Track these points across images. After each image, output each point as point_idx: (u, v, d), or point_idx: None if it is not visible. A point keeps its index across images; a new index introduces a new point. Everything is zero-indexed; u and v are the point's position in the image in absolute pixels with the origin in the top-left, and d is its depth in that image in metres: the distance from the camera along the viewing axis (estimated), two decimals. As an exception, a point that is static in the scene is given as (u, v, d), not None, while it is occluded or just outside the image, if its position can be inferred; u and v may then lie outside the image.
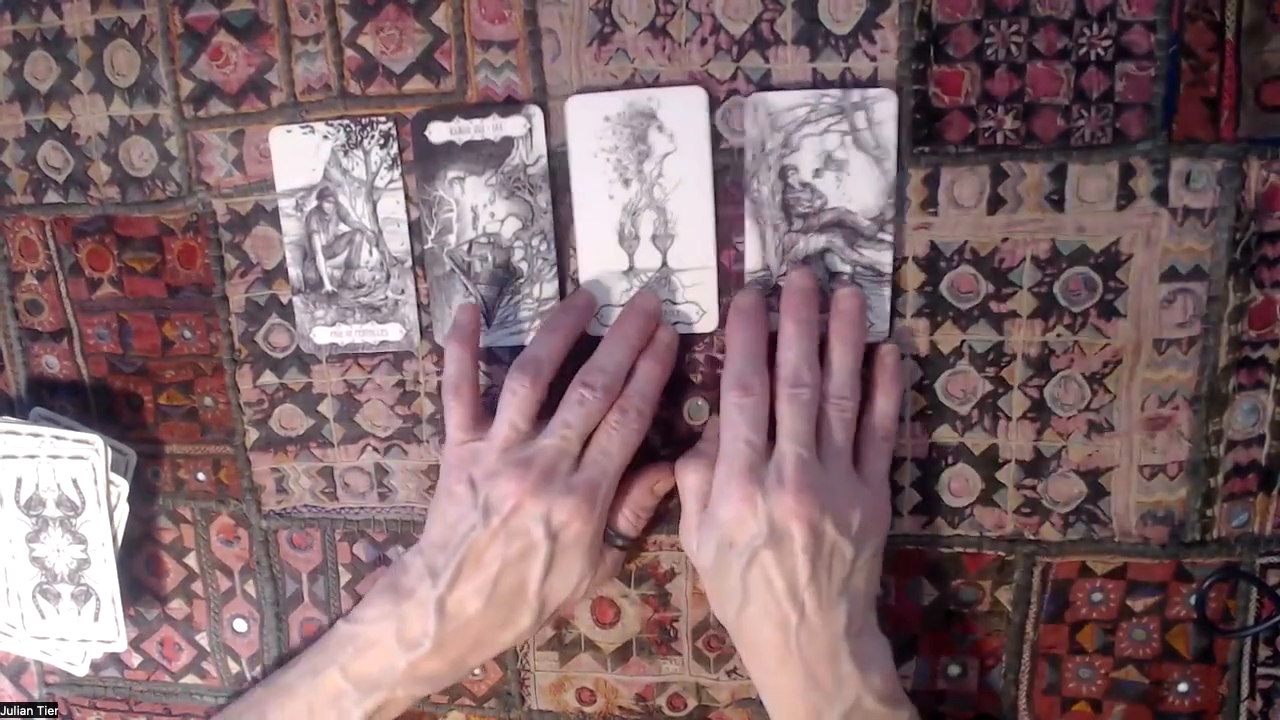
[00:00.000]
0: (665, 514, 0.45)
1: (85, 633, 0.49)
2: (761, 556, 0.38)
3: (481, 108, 0.42)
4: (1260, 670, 0.43)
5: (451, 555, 0.41)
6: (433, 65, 0.43)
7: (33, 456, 0.47)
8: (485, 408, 0.43)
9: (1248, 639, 0.43)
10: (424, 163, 0.43)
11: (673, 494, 0.44)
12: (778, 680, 0.39)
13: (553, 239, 0.43)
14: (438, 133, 0.43)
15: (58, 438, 0.47)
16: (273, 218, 0.45)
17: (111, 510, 0.47)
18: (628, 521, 0.43)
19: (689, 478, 0.41)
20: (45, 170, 0.47)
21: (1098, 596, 0.43)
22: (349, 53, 0.43)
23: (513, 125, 0.42)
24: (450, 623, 0.41)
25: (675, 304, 0.43)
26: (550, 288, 0.44)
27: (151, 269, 0.47)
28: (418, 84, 0.43)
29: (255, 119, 0.44)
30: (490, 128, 0.42)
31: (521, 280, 0.44)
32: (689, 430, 0.45)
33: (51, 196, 0.47)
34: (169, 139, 0.45)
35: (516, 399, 0.40)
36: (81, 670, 0.51)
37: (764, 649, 0.39)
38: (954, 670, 0.45)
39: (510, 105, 0.42)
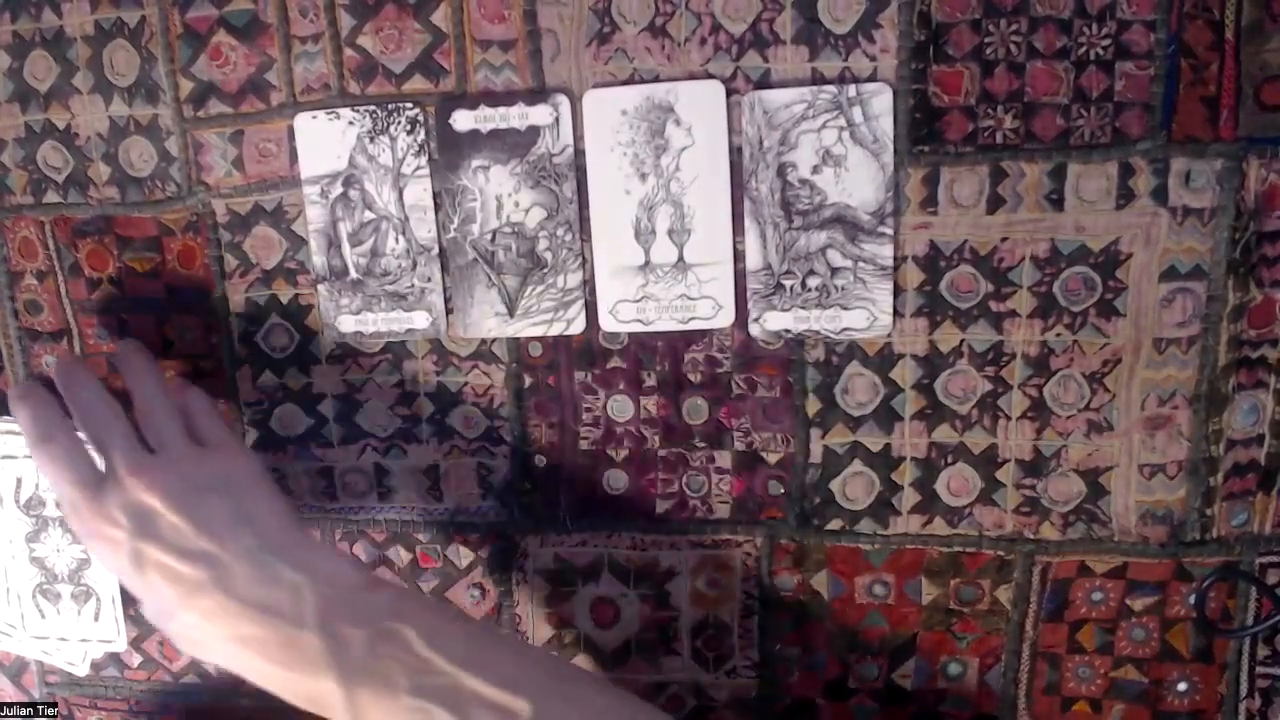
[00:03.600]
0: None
1: (85, 633, 0.49)
2: (143, 552, 0.38)
3: (508, 96, 0.42)
4: (1259, 669, 0.43)
5: None
6: (432, 65, 0.43)
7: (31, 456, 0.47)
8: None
9: (1247, 638, 0.43)
10: (447, 151, 0.43)
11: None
12: (246, 660, 0.37)
13: (579, 229, 0.43)
14: (462, 121, 0.43)
15: None
16: (273, 217, 0.45)
17: None
18: None
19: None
20: (45, 170, 0.47)
21: (1097, 596, 0.43)
22: (348, 52, 0.43)
23: (539, 114, 0.42)
24: None
25: (691, 299, 0.43)
26: (575, 278, 0.44)
27: (151, 269, 0.47)
28: (417, 84, 0.43)
29: (255, 119, 0.44)
30: (516, 116, 0.42)
31: (546, 270, 0.44)
32: (687, 430, 0.45)
33: (51, 196, 0.47)
34: (168, 139, 0.45)
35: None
36: (82, 670, 0.51)
37: (207, 629, 0.38)
38: (954, 669, 0.45)
39: (537, 94, 0.42)
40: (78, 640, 0.50)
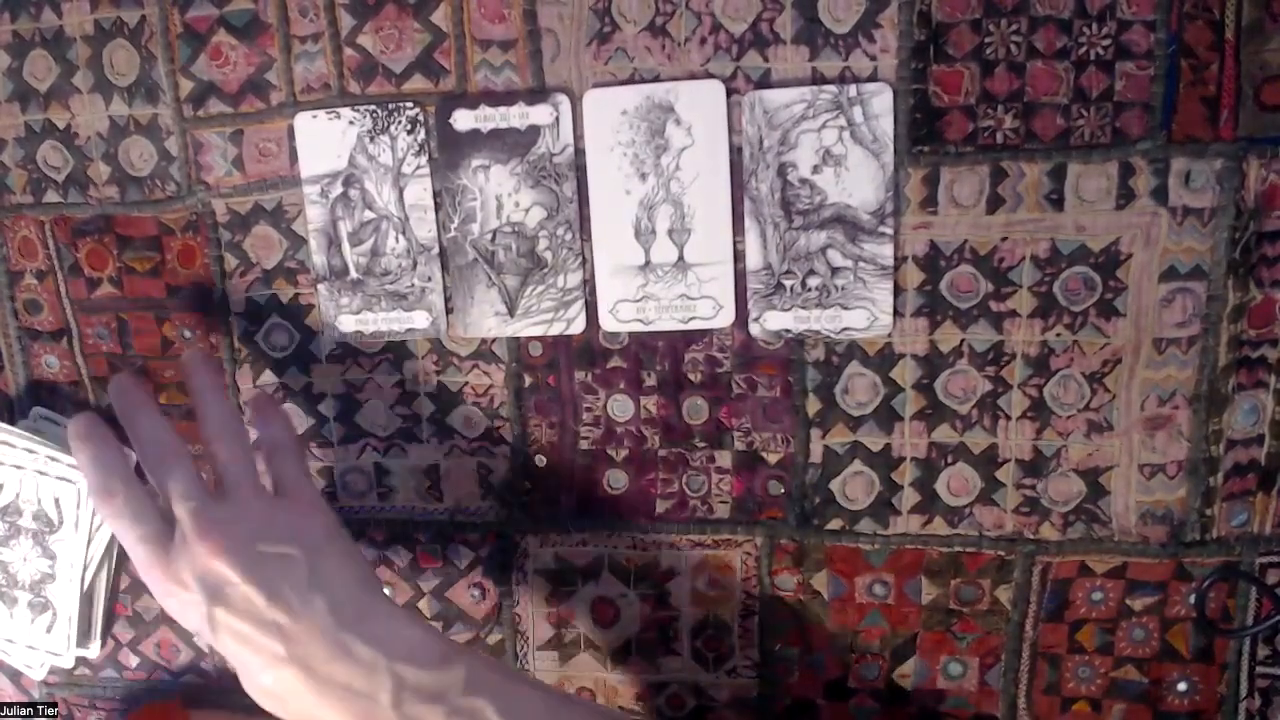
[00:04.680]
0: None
1: (35, 640, 0.49)
2: (218, 618, 0.37)
3: (508, 96, 0.42)
4: (1259, 669, 0.43)
5: None
6: (432, 65, 0.43)
7: (19, 467, 0.47)
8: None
9: (1247, 638, 0.43)
10: (447, 150, 0.43)
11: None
12: (322, 715, 0.37)
13: (579, 229, 0.43)
14: (462, 120, 0.43)
15: (52, 459, 0.46)
16: (273, 217, 0.45)
17: (91, 537, 0.47)
18: None
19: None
20: (44, 170, 0.47)
21: (1097, 596, 0.43)
22: (348, 52, 0.43)
23: (539, 114, 0.42)
24: None
25: (691, 299, 0.43)
26: (575, 278, 0.44)
27: (151, 269, 0.47)
28: (417, 83, 0.43)
29: (255, 118, 0.44)
30: (516, 116, 0.42)
31: (546, 270, 0.44)
32: (687, 430, 0.45)
33: (51, 196, 0.47)
34: (168, 138, 0.45)
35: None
36: (38, 675, 0.51)
37: (288, 695, 0.37)
38: (954, 669, 0.45)
39: (537, 94, 0.42)
40: (25, 646, 0.50)
